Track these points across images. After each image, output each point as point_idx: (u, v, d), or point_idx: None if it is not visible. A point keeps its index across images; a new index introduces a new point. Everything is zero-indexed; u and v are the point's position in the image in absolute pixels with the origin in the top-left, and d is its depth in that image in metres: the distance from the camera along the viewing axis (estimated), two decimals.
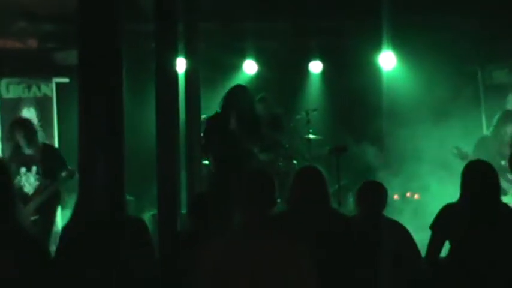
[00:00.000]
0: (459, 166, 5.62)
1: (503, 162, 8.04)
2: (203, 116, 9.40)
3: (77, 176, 7.90)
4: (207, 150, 8.81)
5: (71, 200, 8.47)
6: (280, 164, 10.15)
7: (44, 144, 8.49)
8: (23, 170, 8.14)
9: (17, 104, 10.81)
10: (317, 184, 5.29)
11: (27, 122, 8.63)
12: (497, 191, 5.40)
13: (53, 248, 5.76)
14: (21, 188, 8.01)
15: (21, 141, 8.17)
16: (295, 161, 10.35)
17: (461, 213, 5.30)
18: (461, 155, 8.74)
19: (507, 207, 5.55)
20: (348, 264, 5.11)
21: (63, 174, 8.11)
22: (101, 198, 4.40)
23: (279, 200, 4.30)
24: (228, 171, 8.29)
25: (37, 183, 8.13)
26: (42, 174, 8.14)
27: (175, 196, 7.02)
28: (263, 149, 9.77)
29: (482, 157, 8.20)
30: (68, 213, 5.43)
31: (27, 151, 8.18)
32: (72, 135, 4.97)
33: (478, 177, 5.37)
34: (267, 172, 4.15)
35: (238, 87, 9.04)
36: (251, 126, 8.72)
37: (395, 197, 10.85)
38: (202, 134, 8.81)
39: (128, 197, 5.31)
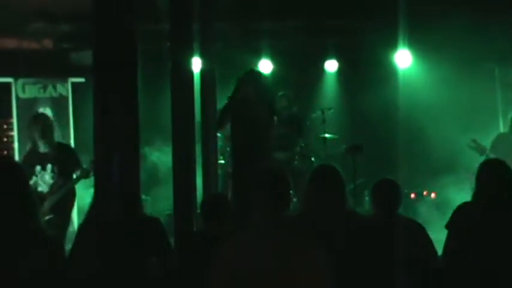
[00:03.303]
0: (475, 163, 5.58)
1: None
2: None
3: (92, 175, 7.97)
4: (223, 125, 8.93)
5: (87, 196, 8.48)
6: (296, 162, 10.16)
7: (59, 143, 8.48)
8: (38, 168, 8.13)
9: (33, 104, 10.85)
10: (334, 183, 5.25)
11: (43, 116, 8.65)
12: (510, 189, 5.36)
13: (68, 246, 5.77)
14: (36, 187, 8.02)
15: (37, 136, 8.17)
16: (313, 159, 10.34)
17: (476, 212, 5.27)
18: (479, 149, 8.70)
19: None
20: (364, 264, 5.09)
21: (78, 173, 8.12)
22: (117, 197, 4.41)
23: (294, 200, 4.29)
24: (246, 161, 8.38)
25: (52, 181, 8.13)
26: (57, 173, 8.14)
27: (191, 196, 7.03)
28: (279, 147, 9.79)
29: (500, 154, 8.18)
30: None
31: (43, 149, 8.19)
32: (88, 135, 4.98)
33: (492, 176, 5.33)
34: (281, 171, 4.12)
35: (253, 70, 9.17)
36: (267, 100, 8.82)
37: (412, 195, 10.82)
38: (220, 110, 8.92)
39: (143, 197, 5.33)
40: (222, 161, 10.08)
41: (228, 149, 9.43)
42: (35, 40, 11.05)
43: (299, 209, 5.44)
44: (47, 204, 7.92)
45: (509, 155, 8.17)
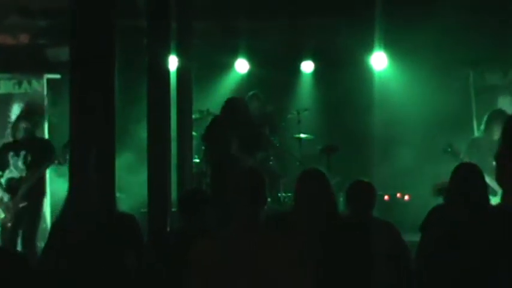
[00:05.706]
0: (450, 166, 5.63)
1: (494, 163, 8.05)
2: (194, 115, 9.44)
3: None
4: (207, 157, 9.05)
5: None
6: (271, 163, 10.17)
7: (38, 136, 8.59)
8: (11, 154, 8.18)
9: (7, 99, 10.78)
10: (322, 186, 5.32)
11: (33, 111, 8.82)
12: (484, 193, 5.41)
13: (41, 244, 5.74)
14: (9, 172, 8.07)
15: (20, 122, 8.28)
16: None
17: (450, 215, 5.32)
18: (454, 153, 8.76)
19: (495, 208, 5.57)
20: (340, 265, 5.11)
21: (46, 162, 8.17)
22: (92, 194, 4.39)
23: (268, 199, 4.29)
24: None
25: (23, 167, 8.16)
26: (30, 160, 8.18)
27: (166, 194, 7.01)
28: (254, 147, 9.81)
29: (474, 158, 8.25)
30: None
31: (20, 136, 8.24)
32: (63, 132, 4.97)
33: (465, 180, 5.39)
34: (257, 171, 4.14)
35: (235, 102, 9.21)
36: (252, 141, 8.96)
37: (386, 197, 10.86)
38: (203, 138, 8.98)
39: (117, 194, 5.30)
40: (197, 160, 10.07)
41: (203, 147, 9.43)
42: (10, 35, 10.97)
43: (292, 208, 5.47)
44: (20, 192, 7.94)
45: (482, 159, 8.24)
